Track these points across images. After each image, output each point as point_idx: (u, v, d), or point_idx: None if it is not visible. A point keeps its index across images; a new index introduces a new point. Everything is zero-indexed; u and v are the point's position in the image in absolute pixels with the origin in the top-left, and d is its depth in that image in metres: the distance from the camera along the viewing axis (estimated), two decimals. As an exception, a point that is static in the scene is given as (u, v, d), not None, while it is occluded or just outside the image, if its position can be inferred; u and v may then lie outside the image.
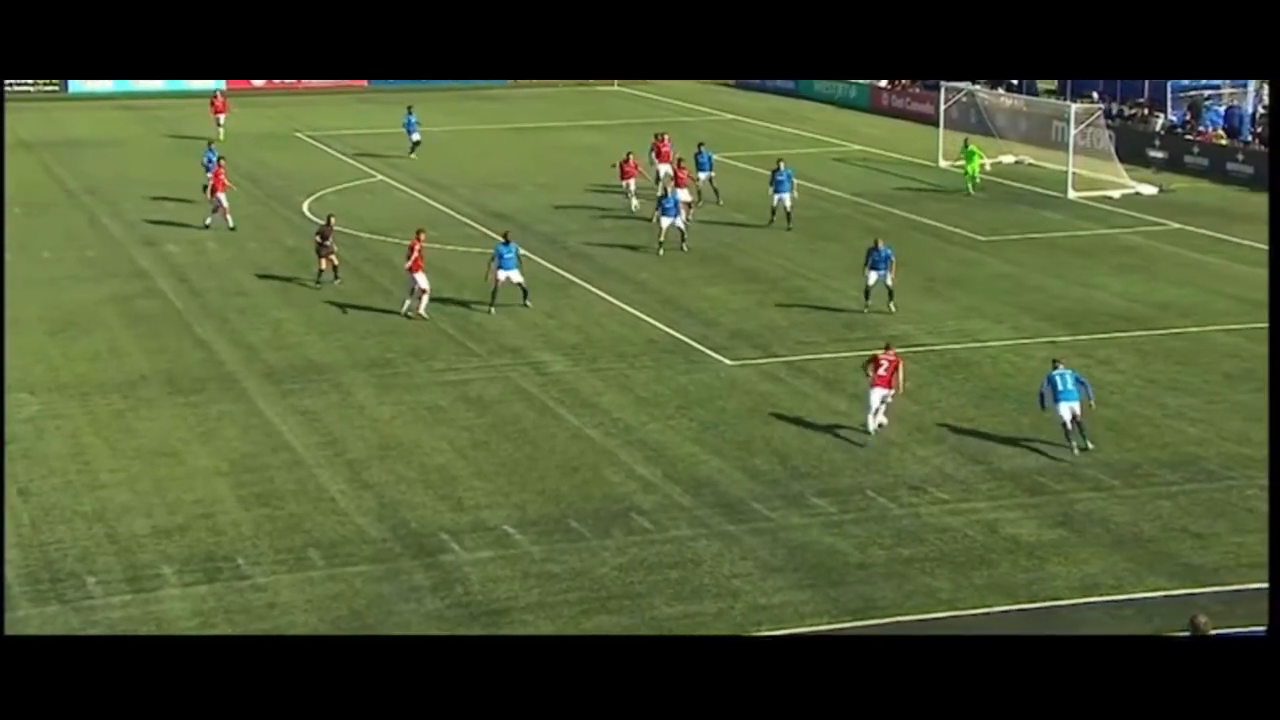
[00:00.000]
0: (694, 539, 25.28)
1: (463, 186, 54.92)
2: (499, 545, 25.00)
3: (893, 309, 37.61)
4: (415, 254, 37.57)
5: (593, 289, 40.56)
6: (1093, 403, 29.36)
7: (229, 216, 46.88)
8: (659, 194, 47.12)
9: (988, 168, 54.75)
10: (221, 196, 46.67)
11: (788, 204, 47.47)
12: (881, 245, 37.88)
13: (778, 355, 34.97)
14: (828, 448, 29.22)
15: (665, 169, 50.50)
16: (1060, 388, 28.77)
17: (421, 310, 37.62)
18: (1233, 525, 25.88)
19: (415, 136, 60.08)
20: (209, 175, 47.84)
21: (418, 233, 38.60)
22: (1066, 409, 28.76)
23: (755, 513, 26.30)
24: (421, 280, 37.71)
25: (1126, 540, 25.28)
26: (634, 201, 48.98)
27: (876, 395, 29.40)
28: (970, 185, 53.17)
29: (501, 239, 38.89)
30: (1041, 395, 29.19)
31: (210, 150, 49.78)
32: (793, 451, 29.02)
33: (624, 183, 49.24)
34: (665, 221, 44.03)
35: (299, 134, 67.62)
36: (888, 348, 30.00)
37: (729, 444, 29.44)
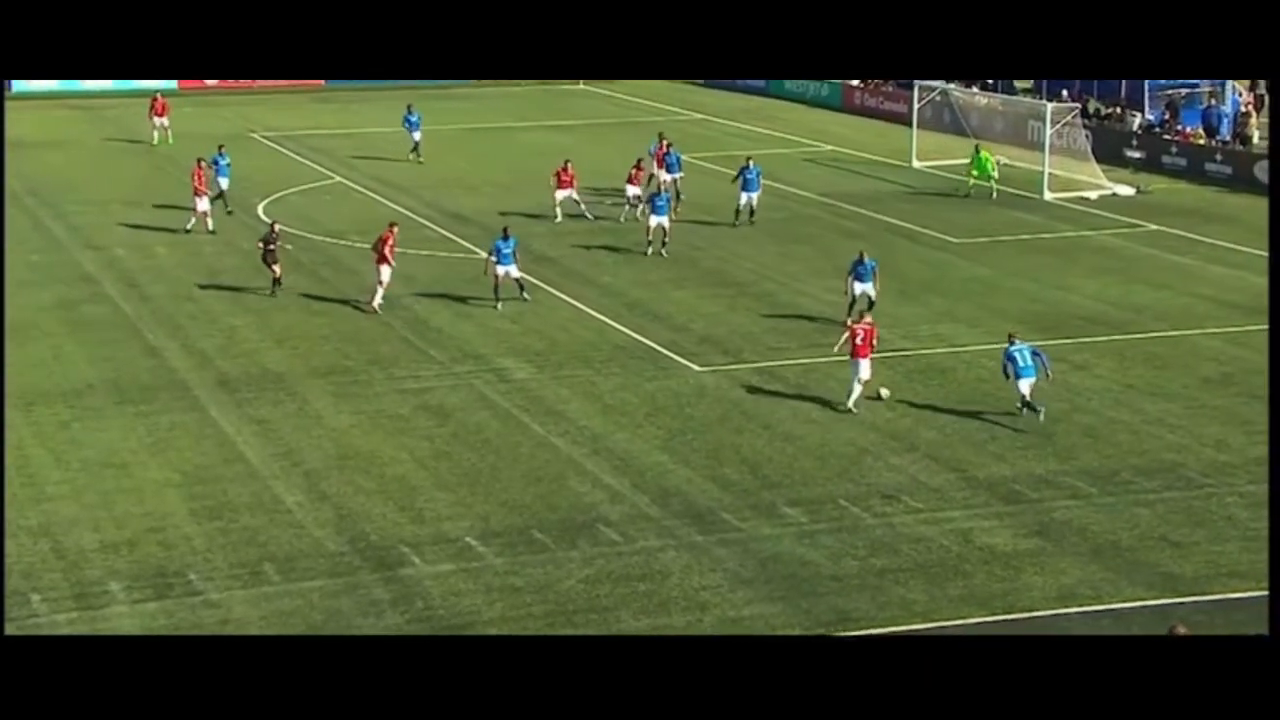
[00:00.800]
0: (662, 550, 24.74)
1: (422, 188, 54.08)
2: (461, 558, 24.41)
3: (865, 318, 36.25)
4: (386, 245, 37.42)
5: (557, 293, 39.80)
6: (1050, 374, 30.35)
7: (192, 220, 45.94)
8: (652, 191, 46.44)
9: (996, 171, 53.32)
10: (202, 198, 45.75)
11: (754, 202, 46.94)
12: (866, 258, 36.81)
13: (748, 361, 34.33)
14: (799, 456, 28.62)
15: (663, 174, 49.63)
16: (1021, 364, 29.90)
17: (374, 303, 37.19)
18: (1212, 534, 25.52)
19: (416, 136, 58.98)
20: (222, 180, 47.11)
21: (390, 225, 38.36)
22: (1026, 384, 29.81)
23: (725, 523, 25.76)
24: (385, 274, 37.27)
25: (1104, 549, 24.91)
26: (558, 203, 47.69)
27: (862, 366, 30.45)
28: (968, 188, 52.36)
29: (501, 234, 38.45)
30: (1005, 368, 30.24)
31: (221, 155, 48.53)
32: (763, 460, 28.43)
33: (559, 192, 47.59)
34: (654, 221, 43.36)
35: (254, 134, 66.47)
36: (861, 316, 31.59)
37: (698, 453, 28.84)
